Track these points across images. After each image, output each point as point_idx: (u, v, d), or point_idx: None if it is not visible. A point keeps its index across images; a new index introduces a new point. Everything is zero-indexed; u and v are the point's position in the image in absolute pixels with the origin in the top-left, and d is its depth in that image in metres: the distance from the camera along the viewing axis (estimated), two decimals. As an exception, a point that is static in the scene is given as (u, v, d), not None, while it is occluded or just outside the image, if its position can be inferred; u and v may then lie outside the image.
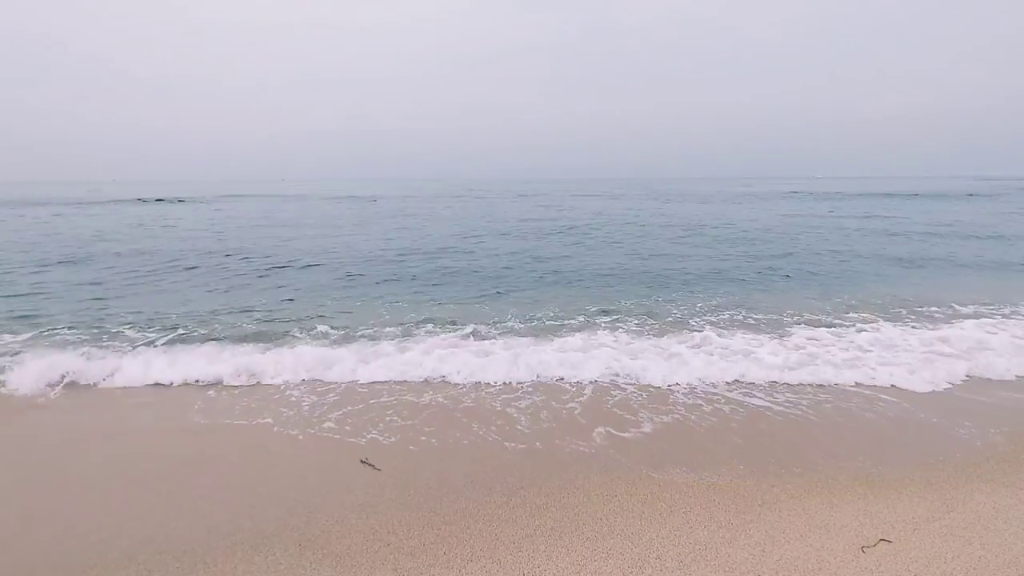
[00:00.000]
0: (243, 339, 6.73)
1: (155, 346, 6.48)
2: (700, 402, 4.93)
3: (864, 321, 7.57)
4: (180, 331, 7.10)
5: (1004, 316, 7.80)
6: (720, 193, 52.10)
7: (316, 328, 7.19)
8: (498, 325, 7.45)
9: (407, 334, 6.97)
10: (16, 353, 6.01)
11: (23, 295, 9.25)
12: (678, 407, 4.82)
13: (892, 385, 5.30)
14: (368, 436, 4.27)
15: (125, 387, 5.33)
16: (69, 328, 7.18)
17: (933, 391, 5.18)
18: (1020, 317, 7.75)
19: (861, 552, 2.83)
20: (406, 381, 5.43)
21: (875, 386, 5.29)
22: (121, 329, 7.17)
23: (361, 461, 3.88)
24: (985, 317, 7.70)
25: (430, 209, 32.92)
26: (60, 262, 12.71)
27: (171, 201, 39.35)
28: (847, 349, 6.32)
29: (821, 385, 5.31)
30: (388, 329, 7.19)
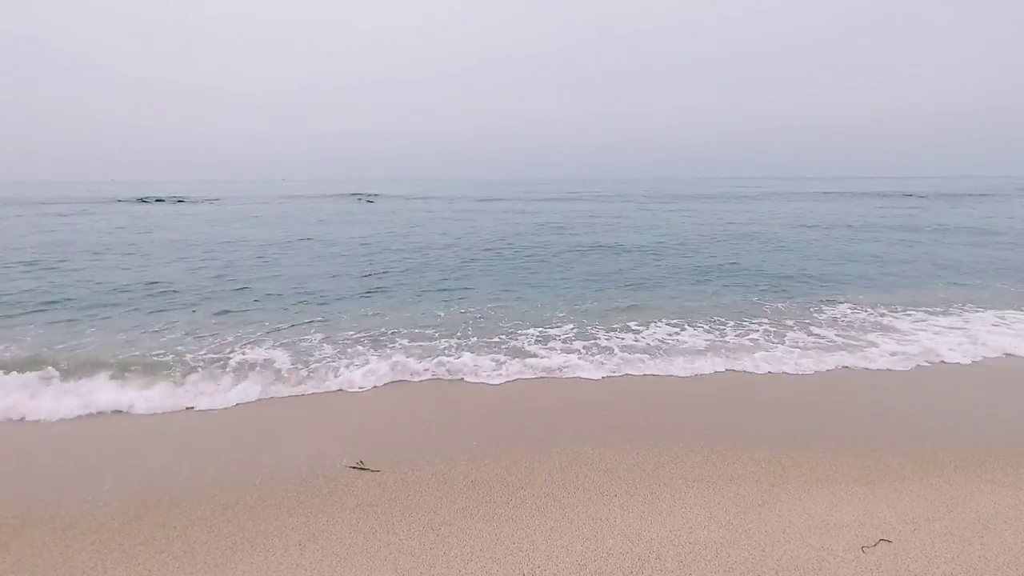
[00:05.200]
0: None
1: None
2: (708, 402, 4.93)
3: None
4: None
5: None
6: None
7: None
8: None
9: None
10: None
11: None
12: (682, 407, 4.82)
13: None
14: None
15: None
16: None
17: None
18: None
19: (861, 552, 2.83)
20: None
21: None
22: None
23: (353, 467, 3.82)
24: None
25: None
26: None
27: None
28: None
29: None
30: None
